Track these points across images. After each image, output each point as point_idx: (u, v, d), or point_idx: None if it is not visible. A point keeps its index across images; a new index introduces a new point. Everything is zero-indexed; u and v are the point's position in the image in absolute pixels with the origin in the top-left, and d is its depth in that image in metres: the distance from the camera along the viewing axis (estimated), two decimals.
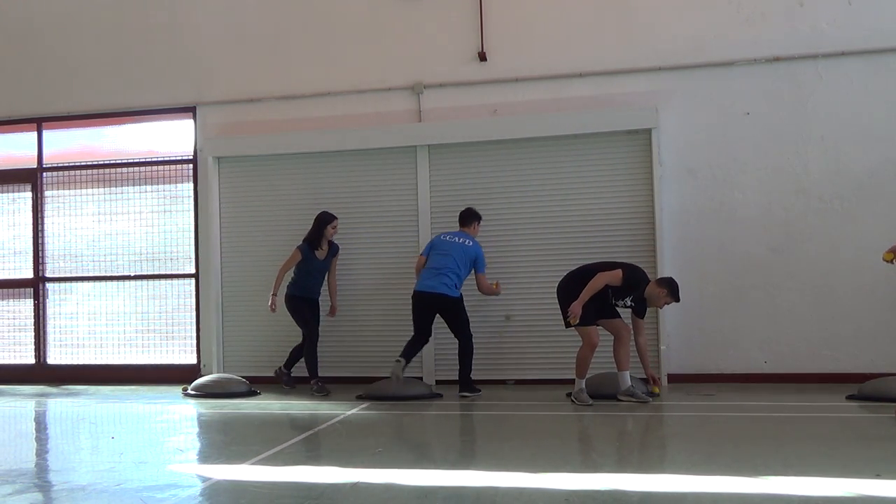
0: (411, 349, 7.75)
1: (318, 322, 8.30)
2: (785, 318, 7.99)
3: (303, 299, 8.26)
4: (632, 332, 7.28)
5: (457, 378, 7.80)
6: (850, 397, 6.94)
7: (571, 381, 7.77)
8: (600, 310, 7.14)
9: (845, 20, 8.00)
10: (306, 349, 8.22)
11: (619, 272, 7.01)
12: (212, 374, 8.68)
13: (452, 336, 7.90)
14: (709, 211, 8.18)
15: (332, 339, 8.72)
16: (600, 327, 7.21)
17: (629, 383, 7.09)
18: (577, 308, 6.93)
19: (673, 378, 8.02)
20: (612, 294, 7.11)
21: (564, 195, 8.33)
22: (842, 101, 7.98)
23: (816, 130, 8.02)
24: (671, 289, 7.15)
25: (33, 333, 9.78)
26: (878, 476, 4.46)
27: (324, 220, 8.29)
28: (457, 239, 7.84)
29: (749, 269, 8.09)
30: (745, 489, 4.26)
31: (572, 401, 7.12)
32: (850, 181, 7.90)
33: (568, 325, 7.13)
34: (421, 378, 8.38)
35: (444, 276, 7.67)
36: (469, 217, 8.01)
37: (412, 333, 7.83)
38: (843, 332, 7.83)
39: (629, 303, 7.19)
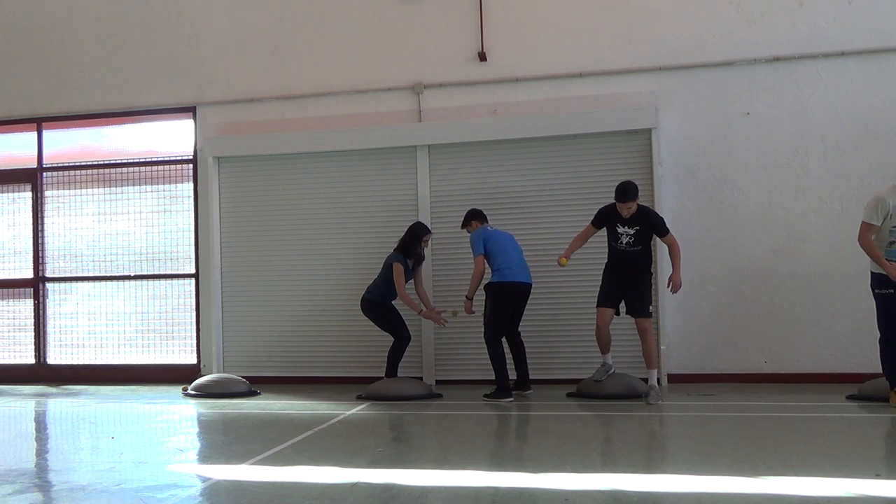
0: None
1: (401, 321, 7.99)
2: (785, 318, 7.99)
3: (378, 303, 7.99)
4: (653, 328, 7.28)
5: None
6: (850, 397, 6.94)
7: (571, 381, 7.80)
8: (617, 292, 7.21)
9: (845, 20, 8.00)
10: (392, 348, 7.98)
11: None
12: (212, 374, 8.68)
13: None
14: (709, 211, 8.18)
15: (332, 339, 8.73)
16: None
17: (652, 382, 7.17)
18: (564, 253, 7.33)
19: (673, 378, 8.02)
20: (615, 240, 7.20)
21: (564, 195, 8.33)
22: (842, 101, 7.98)
23: (816, 130, 8.02)
24: (616, 192, 7.15)
25: (33, 333, 9.78)
26: (878, 476, 4.46)
27: (419, 233, 7.94)
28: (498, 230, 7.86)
29: (749, 269, 8.09)
30: (745, 489, 4.26)
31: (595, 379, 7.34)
32: (850, 181, 7.90)
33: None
34: (421, 378, 8.38)
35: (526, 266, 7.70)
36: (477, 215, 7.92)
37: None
38: (843, 332, 7.83)
39: (630, 230, 7.16)
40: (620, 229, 7.18)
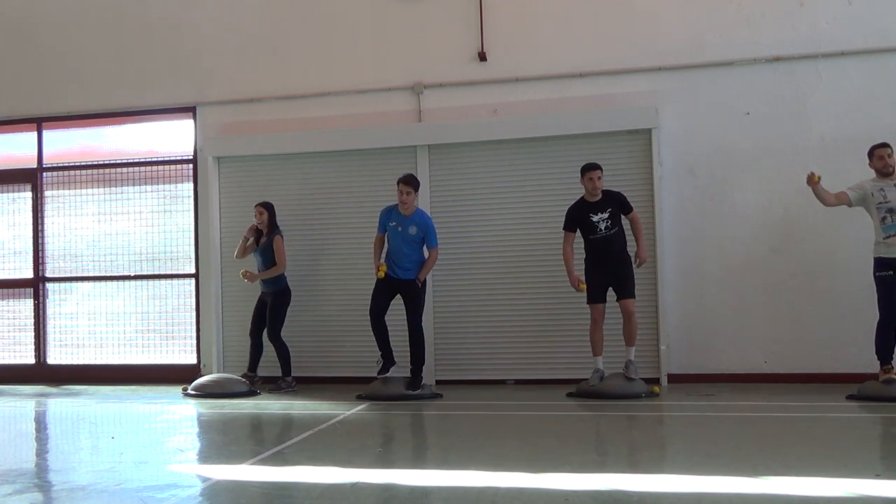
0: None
1: (264, 313, 8.50)
2: (785, 318, 7.98)
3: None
4: (633, 311, 7.37)
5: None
6: (850, 397, 6.94)
7: (571, 381, 7.80)
8: (603, 283, 7.38)
9: (845, 20, 7.99)
10: None
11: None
12: (212, 374, 8.68)
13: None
14: (709, 211, 8.18)
15: (332, 339, 8.73)
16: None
17: (630, 358, 7.36)
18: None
19: (673, 378, 8.02)
20: (592, 231, 7.39)
21: (564, 195, 8.30)
22: (842, 101, 7.97)
23: (816, 130, 8.02)
24: (581, 170, 7.51)
25: (33, 333, 9.78)
26: (877, 476, 4.46)
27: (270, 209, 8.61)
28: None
29: (749, 269, 8.09)
30: (745, 489, 4.26)
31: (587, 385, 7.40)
32: (849, 181, 7.85)
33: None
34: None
35: None
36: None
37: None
38: (843, 332, 7.81)
39: (604, 215, 7.38)
40: (595, 217, 7.39)
